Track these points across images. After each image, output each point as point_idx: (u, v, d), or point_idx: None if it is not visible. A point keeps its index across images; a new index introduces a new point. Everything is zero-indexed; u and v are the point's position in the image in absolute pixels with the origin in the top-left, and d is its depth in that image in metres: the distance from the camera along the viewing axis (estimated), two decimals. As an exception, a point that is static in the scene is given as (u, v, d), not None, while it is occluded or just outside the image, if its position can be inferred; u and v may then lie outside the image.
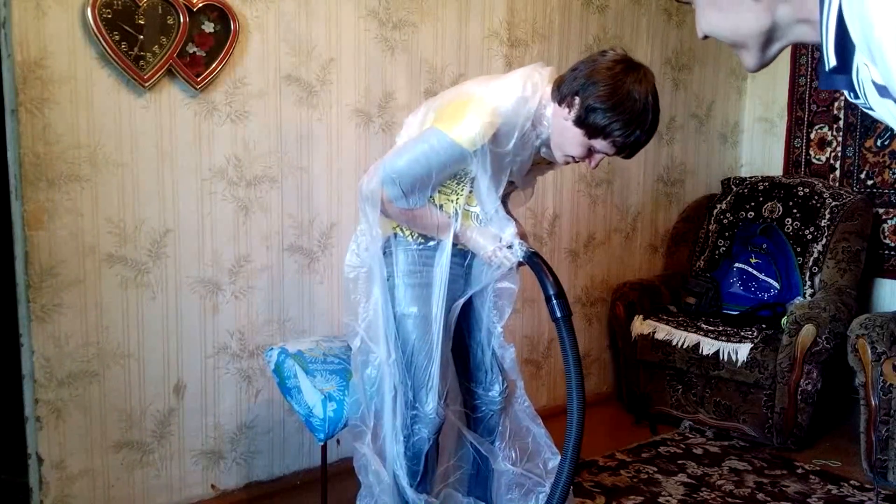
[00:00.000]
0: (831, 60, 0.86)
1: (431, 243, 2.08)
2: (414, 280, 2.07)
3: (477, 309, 2.20)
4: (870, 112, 0.89)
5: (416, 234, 2.09)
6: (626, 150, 1.92)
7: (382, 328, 2.05)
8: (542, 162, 2.12)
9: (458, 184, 2.02)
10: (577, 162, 2.00)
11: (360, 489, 2.15)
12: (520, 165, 1.99)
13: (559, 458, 1.91)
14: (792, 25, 0.94)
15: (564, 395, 3.22)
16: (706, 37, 1.04)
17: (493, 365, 2.23)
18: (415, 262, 2.08)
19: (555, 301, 1.92)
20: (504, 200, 2.25)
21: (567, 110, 1.89)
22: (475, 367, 2.24)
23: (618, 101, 1.83)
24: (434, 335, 2.05)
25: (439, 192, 2.03)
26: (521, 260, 1.98)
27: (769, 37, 0.96)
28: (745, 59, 1.01)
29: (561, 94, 1.91)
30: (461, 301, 2.14)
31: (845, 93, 0.90)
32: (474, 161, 1.89)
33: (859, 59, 0.83)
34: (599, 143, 1.90)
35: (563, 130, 1.92)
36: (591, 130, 1.87)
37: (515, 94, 1.90)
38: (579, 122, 1.87)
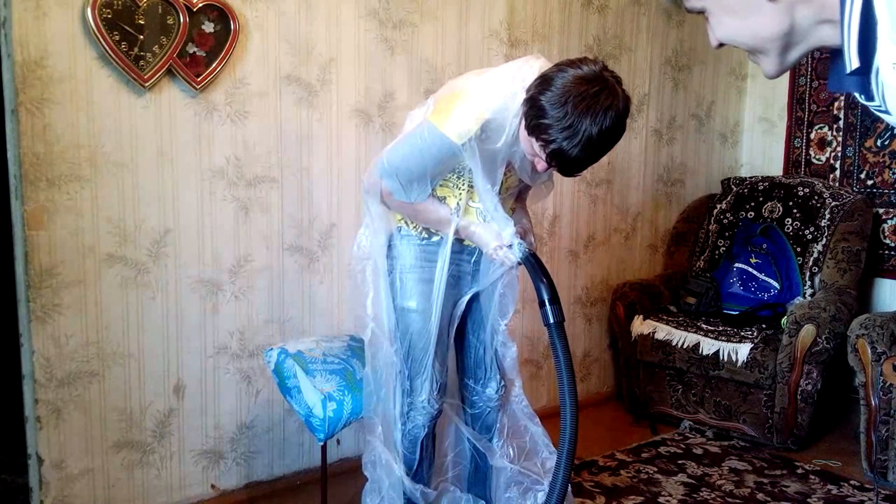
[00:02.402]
0: (853, 62, 0.84)
1: (435, 238, 2.09)
2: (416, 274, 2.09)
3: (483, 306, 2.21)
4: (883, 115, 0.87)
5: (420, 229, 2.10)
6: (554, 160, 1.77)
7: (385, 319, 2.08)
8: None
9: (458, 177, 2.02)
10: (532, 164, 1.89)
11: (366, 485, 2.16)
12: (521, 161, 1.96)
13: (556, 457, 1.91)
14: (813, 28, 0.91)
15: (564, 395, 3.14)
16: (721, 45, 1.00)
17: (493, 363, 2.24)
18: (418, 256, 2.10)
19: (548, 306, 1.89)
20: (520, 195, 2.25)
21: (523, 106, 1.81)
22: (475, 363, 2.25)
23: (560, 103, 1.70)
24: (432, 328, 2.07)
25: (441, 185, 2.03)
26: (519, 260, 1.97)
27: (789, 40, 0.93)
28: (765, 66, 0.98)
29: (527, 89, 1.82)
30: (466, 297, 2.15)
31: (856, 94, 0.88)
32: (465, 155, 1.87)
33: (883, 60, 0.81)
34: (535, 143, 1.79)
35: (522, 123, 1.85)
36: (529, 126, 1.77)
37: (504, 89, 1.85)
38: (525, 115, 1.78)
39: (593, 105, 1.70)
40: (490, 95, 1.86)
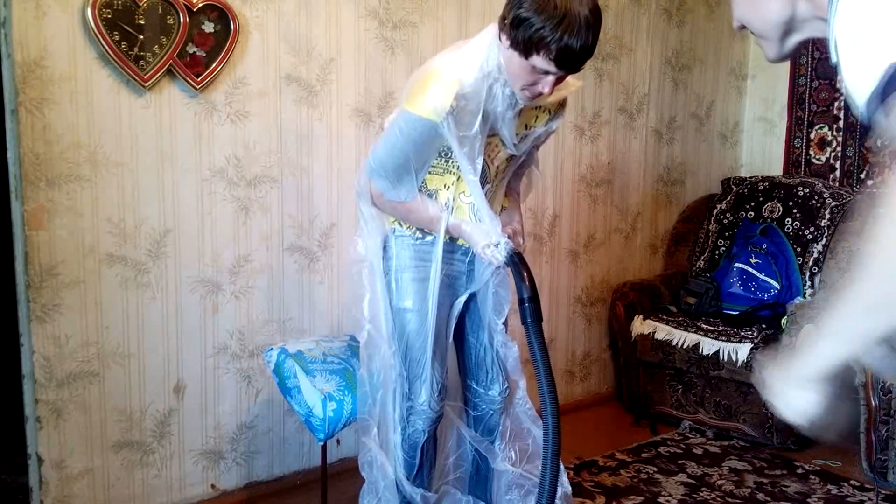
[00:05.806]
0: (833, 57, 0.97)
1: (429, 238, 2.09)
2: (412, 274, 2.09)
3: (480, 306, 2.20)
4: None
5: (414, 229, 2.10)
6: (564, 61, 1.79)
7: (383, 321, 2.08)
8: (533, 116, 2.06)
9: (446, 161, 2.01)
10: (535, 96, 1.89)
11: (364, 485, 2.15)
12: (500, 120, 1.93)
13: (542, 460, 1.90)
14: (811, 21, 1.05)
15: (567, 395, 3.20)
16: (742, 27, 1.13)
17: (494, 364, 2.23)
18: (413, 256, 2.10)
19: (527, 305, 1.90)
20: (511, 190, 2.24)
21: (506, 39, 1.82)
22: (476, 365, 2.25)
23: (542, 7, 1.74)
24: (429, 327, 2.07)
25: (430, 173, 2.02)
26: (505, 260, 1.97)
27: (789, 27, 1.07)
28: (766, 50, 1.12)
29: (500, 28, 1.85)
30: (463, 297, 2.15)
31: None
32: (445, 133, 1.86)
33: None
34: (538, 60, 1.79)
35: (509, 62, 1.85)
36: (525, 46, 1.78)
37: (476, 69, 1.85)
38: (515, 42, 1.80)
39: None
40: (462, 71, 1.85)
